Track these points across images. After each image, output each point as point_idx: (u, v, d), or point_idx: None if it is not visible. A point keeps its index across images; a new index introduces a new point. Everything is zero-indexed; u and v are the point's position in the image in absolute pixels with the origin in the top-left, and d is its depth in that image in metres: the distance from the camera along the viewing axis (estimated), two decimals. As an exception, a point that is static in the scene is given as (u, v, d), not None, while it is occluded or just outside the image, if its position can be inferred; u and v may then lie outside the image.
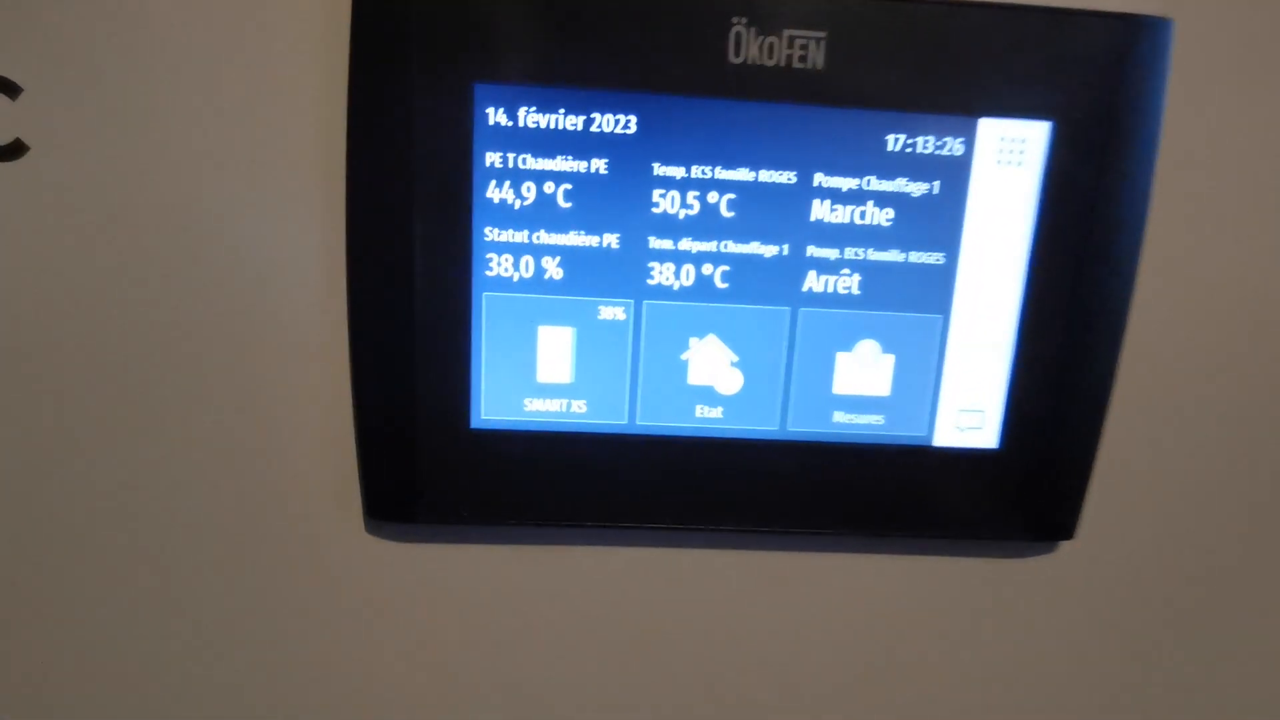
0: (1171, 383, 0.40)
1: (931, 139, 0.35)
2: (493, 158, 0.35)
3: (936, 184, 0.36)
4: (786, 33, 0.34)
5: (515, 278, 0.36)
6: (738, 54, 0.34)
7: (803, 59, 0.34)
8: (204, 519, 0.39)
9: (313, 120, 0.35)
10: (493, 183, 0.35)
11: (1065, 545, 0.41)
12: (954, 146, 0.36)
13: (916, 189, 0.36)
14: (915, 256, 0.36)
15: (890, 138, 0.35)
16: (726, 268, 0.36)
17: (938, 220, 0.36)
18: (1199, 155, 0.38)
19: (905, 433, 0.39)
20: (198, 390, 0.37)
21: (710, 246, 0.36)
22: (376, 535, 0.39)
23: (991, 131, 0.35)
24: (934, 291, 0.37)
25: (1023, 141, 0.36)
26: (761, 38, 0.34)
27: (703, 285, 0.36)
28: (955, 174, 0.36)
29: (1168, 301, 0.39)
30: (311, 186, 0.36)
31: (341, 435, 0.38)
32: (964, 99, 0.35)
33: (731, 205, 0.36)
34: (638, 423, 0.38)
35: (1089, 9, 0.35)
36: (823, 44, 0.34)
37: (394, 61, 0.33)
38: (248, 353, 0.37)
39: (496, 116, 0.34)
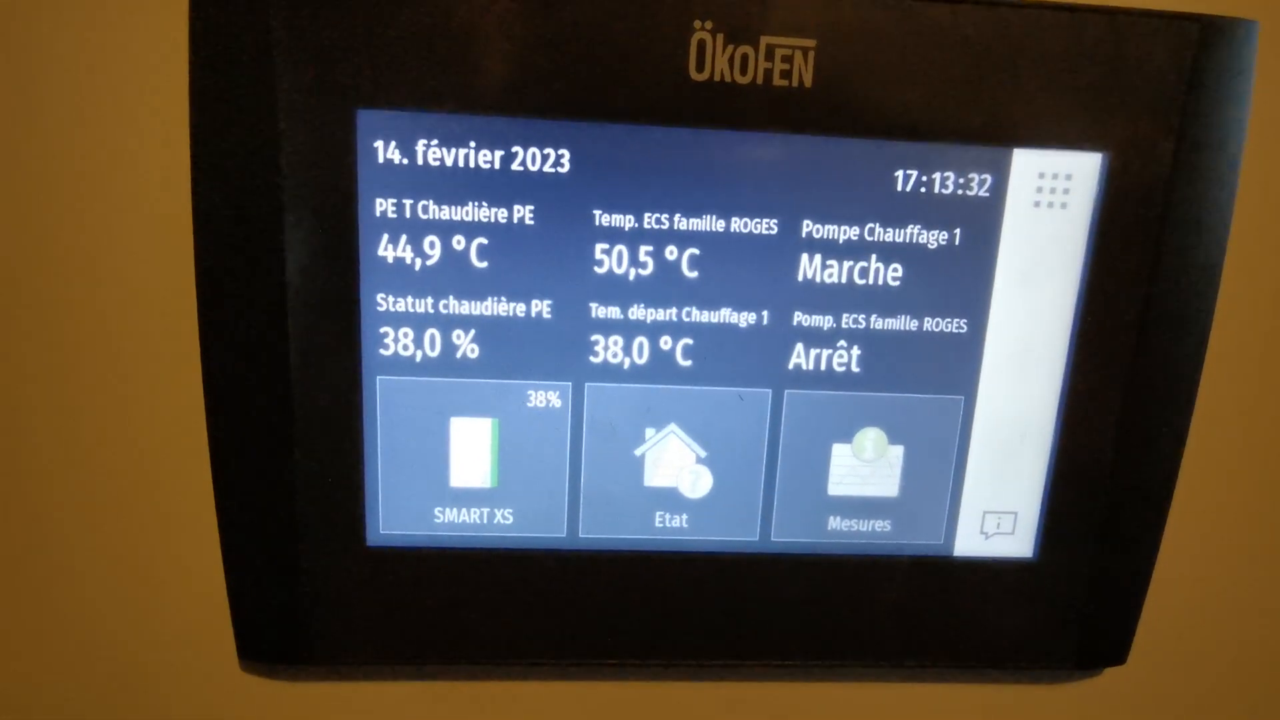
0: (1241, 477, 0.33)
1: (952, 175, 0.28)
2: (384, 205, 0.27)
3: (958, 232, 0.28)
4: (765, 41, 0.26)
5: (418, 357, 0.28)
6: (701, 68, 0.26)
7: (786, 74, 0.26)
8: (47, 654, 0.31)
9: (146, 158, 0.27)
10: (385, 237, 0.27)
11: (1112, 671, 0.34)
12: (981, 185, 0.28)
13: (932, 239, 0.28)
14: (931, 324, 0.29)
15: (898, 174, 0.27)
16: (690, 341, 0.28)
17: (959, 278, 0.28)
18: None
19: (918, 541, 0.31)
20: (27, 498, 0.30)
21: (669, 315, 0.28)
22: (255, 674, 0.32)
23: (1028, 165, 0.28)
24: (954, 367, 0.29)
25: (1067, 178, 0.28)
26: (733, 47, 0.26)
27: (660, 363, 0.28)
28: (982, 220, 0.28)
29: (1246, 376, 0.32)
30: (150, 247, 0.28)
31: (206, 553, 0.30)
32: (993, 125, 0.27)
33: (695, 263, 0.28)
34: (581, 536, 0.30)
35: (1150, 9, 0.27)
36: (811, 55, 0.26)
37: (249, 80, 0.25)
38: (87, 449, 0.29)
39: (388, 152, 0.26)
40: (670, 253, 0.28)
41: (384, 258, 0.27)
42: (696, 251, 0.28)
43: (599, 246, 0.27)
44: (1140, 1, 0.28)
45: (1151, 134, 0.28)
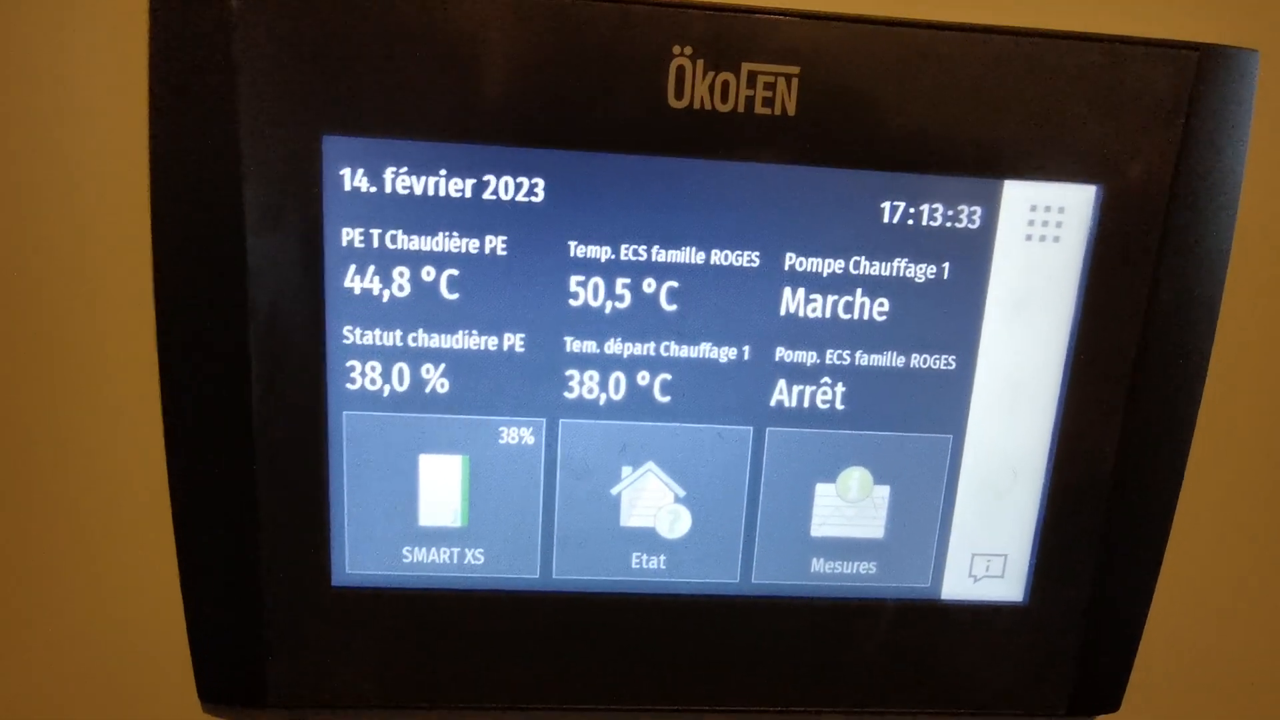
0: (1239, 518, 0.32)
1: (940, 207, 0.27)
2: (351, 234, 0.26)
3: (947, 266, 0.27)
4: (746, 67, 0.25)
5: (386, 391, 0.27)
6: (680, 96, 0.25)
7: (768, 102, 0.25)
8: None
9: (104, 185, 0.26)
10: (352, 268, 0.26)
11: (1105, 718, 0.33)
12: (970, 217, 0.27)
13: (920, 272, 0.27)
14: (918, 360, 0.28)
15: (885, 206, 0.26)
16: (668, 376, 0.27)
17: (948, 313, 0.27)
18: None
19: (905, 584, 0.30)
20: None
21: (647, 349, 0.27)
22: (218, 716, 0.31)
23: (1019, 197, 0.27)
24: (942, 405, 0.28)
25: (1060, 210, 0.27)
26: (713, 74, 0.25)
27: (637, 399, 0.27)
28: (971, 253, 0.27)
29: (1244, 413, 0.31)
30: (108, 277, 0.27)
31: (168, 594, 0.29)
32: (983, 155, 0.26)
33: (674, 296, 0.27)
34: (554, 577, 0.29)
35: (1146, 38, 0.26)
36: (795, 82, 0.25)
37: (210, 105, 0.24)
38: (45, 486, 0.28)
39: (355, 180, 0.25)
40: (648, 285, 0.27)
41: (351, 289, 0.26)
42: (675, 284, 0.27)
43: (574, 278, 0.26)
44: (1137, 29, 0.27)
45: (1148, 166, 0.27)
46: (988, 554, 0.30)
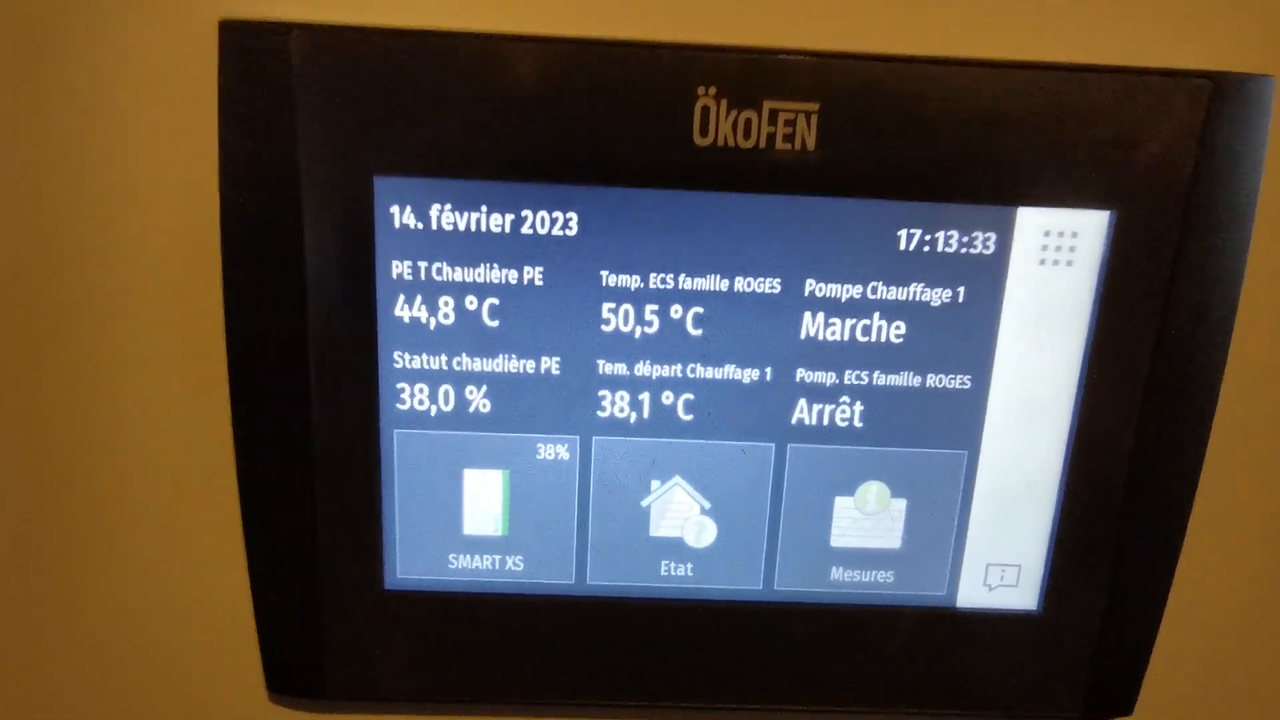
0: (1250, 532, 0.32)
1: (955, 234, 0.28)
2: (400, 267, 0.28)
3: (961, 290, 0.28)
4: (768, 105, 0.27)
5: (433, 411, 0.29)
6: (705, 133, 0.27)
7: (789, 138, 0.27)
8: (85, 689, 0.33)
9: (176, 220, 0.29)
10: (401, 298, 0.28)
11: (1121, 721, 0.34)
12: (984, 243, 0.28)
13: (936, 297, 0.28)
14: (934, 380, 0.29)
15: (901, 233, 0.28)
16: (694, 396, 0.29)
17: (963, 335, 0.29)
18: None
19: (921, 592, 0.31)
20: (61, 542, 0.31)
21: (674, 371, 0.29)
22: (284, 706, 0.33)
23: (1033, 223, 0.28)
24: (958, 422, 0.29)
25: (1073, 236, 0.28)
26: (736, 112, 0.27)
27: (665, 418, 0.29)
28: (986, 277, 0.28)
29: (1256, 433, 0.31)
30: (179, 309, 0.29)
31: (240, 594, 0.32)
32: (997, 184, 0.27)
33: (700, 321, 0.28)
34: (588, 583, 0.31)
35: (1160, 68, 0.27)
36: (814, 119, 0.27)
37: (274, 151, 0.26)
38: (120, 501, 0.31)
39: (404, 217, 0.27)
40: (675, 311, 0.28)
41: (400, 317, 0.28)
42: (701, 310, 0.28)
43: (606, 305, 0.28)
44: (1151, 57, 0.27)
45: (1161, 192, 0.27)
46: (1002, 564, 0.31)
